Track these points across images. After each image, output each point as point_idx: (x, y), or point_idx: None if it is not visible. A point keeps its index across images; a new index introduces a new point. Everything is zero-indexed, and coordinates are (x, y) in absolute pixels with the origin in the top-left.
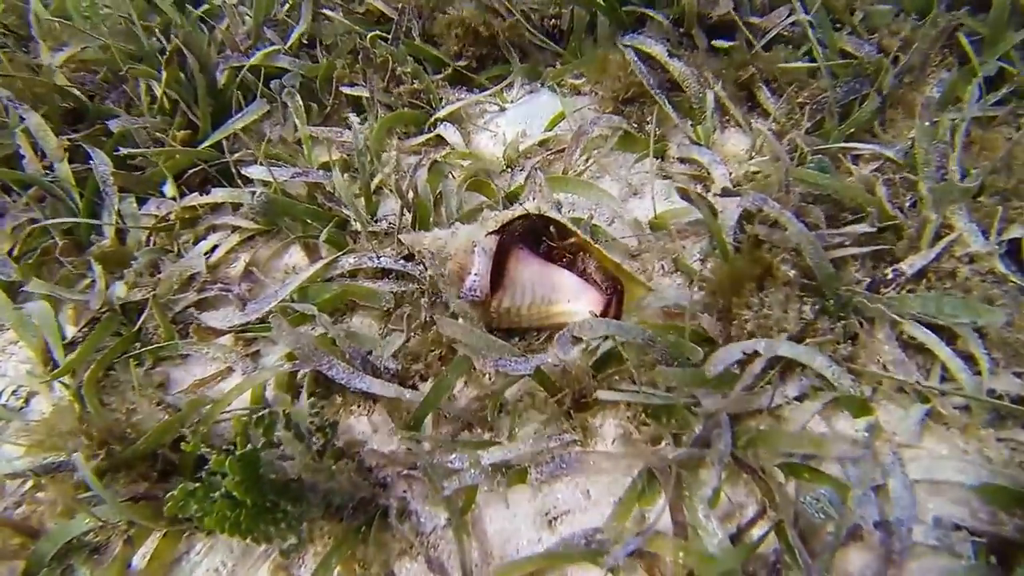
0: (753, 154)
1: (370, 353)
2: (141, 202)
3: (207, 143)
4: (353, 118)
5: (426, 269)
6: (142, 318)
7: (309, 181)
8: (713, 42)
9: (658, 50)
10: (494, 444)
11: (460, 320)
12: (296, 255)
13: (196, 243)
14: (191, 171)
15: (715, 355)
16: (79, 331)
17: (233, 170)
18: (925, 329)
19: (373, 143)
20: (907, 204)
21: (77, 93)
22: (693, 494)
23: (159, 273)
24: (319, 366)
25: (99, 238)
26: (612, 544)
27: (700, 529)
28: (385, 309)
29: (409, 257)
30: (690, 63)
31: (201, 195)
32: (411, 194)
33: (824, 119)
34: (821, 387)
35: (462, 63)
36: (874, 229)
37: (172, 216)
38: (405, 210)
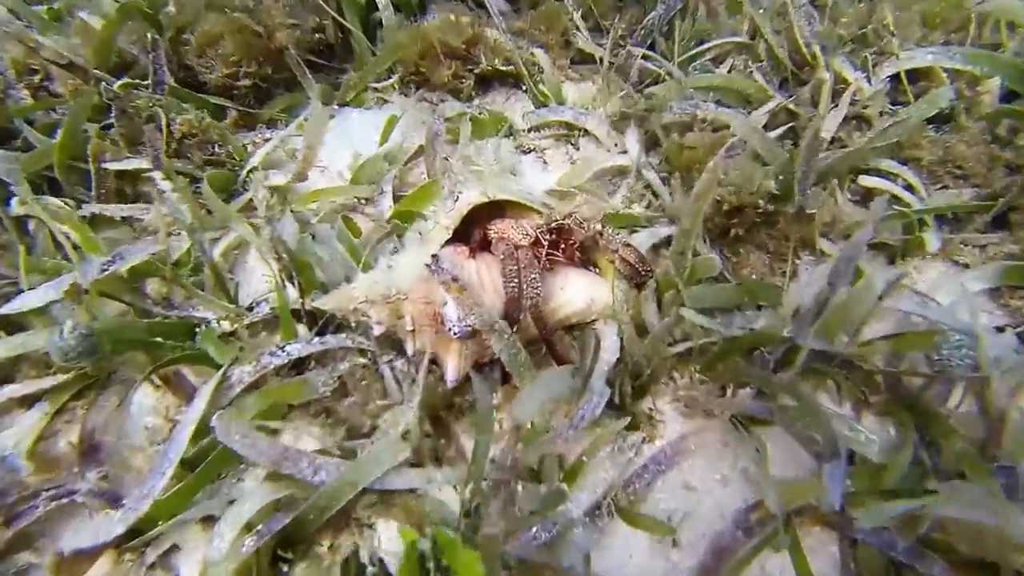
0: (599, 95)
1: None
2: None
3: None
4: (161, 184)
5: (369, 330)
6: None
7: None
8: None
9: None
10: (562, 492)
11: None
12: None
13: None
14: None
15: None
16: None
17: None
18: (873, 177)
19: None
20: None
21: None
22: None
23: None
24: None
25: None
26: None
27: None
28: (325, 403)
29: (322, 331)
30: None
31: None
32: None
33: (655, 41)
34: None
35: (244, 82)
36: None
37: None
38: (286, 278)
